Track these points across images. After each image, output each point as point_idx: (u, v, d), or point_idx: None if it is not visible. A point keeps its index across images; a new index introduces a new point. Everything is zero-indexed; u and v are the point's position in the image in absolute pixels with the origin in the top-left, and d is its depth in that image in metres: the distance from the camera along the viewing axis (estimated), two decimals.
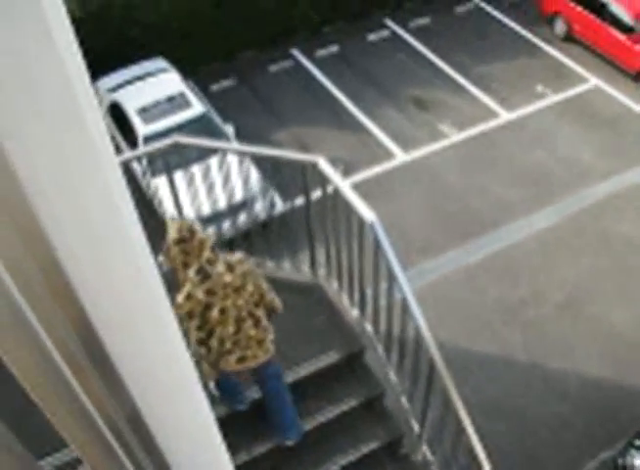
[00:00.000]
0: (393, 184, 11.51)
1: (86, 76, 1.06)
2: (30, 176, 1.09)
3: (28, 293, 1.06)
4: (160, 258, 4.11)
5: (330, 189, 4.62)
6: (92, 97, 1.06)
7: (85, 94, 1.00)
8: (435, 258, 10.31)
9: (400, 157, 12.04)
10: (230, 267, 3.93)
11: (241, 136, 11.39)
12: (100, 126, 1.06)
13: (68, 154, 1.09)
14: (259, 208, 8.58)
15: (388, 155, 12.08)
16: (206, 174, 5.33)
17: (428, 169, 11.77)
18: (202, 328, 3.93)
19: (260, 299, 4.10)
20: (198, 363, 3.97)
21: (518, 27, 14.91)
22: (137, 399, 1.54)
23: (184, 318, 3.87)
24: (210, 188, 5.47)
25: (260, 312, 4.10)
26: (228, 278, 3.91)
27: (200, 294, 3.85)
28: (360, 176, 11.52)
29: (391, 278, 4.24)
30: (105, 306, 1.28)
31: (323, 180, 4.60)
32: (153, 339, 1.42)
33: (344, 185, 4.39)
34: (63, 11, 0.97)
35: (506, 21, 15.13)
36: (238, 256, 4.06)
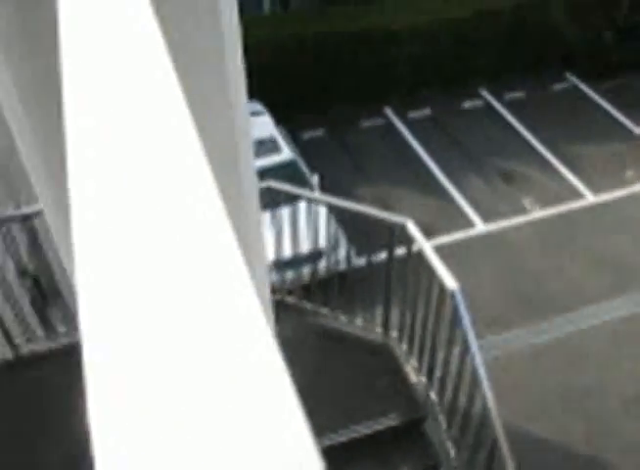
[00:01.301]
0: (469, 253, 11.42)
1: (250, 129, 1.11)
2: None
3: None
4: None
5: (408, 251, 4.65)
6: (250, 152, 1.11)
7: (247, 149, 1.05)
8: (502, 334, 10.11)
9: (480, 227, 11.97)
10: None
11: (324, 187, 11.53)
12: (253, 179, 1.11)
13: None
14: (336, 259, 8.62)
15: (467, 223, 12.03)
16: (293, 220, 5.43)
17: (505, 243, 11.64)
18: None
19: None
20: None
21: (613, 111, 14.76)
22: None
23: None
24: (293, 233, 5.56)
25: None
26: None
27: None
28: (437, 241, 11.46)
29: (464, 350, 4.20)
30: None
31: (408, 242, 4.62)
32: None
33: (430, 250, 4.40)
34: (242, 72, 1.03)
35: (602, 103, 15.00)
36: None
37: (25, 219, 4.96)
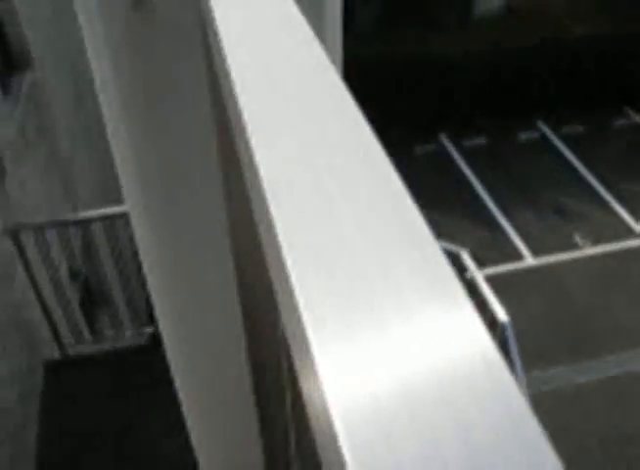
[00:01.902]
0: (516, 286, 11.26)
1: None
2: None
3: None
4: None
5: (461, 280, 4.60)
6: None
7: None
8: (545, 371, 9.92)
9: (529, 260, 11.81)
10: None
11: None
12: None
13: None
14: None
15: (516, 256, 11.88)
16: None
17: (554, 278, 11.46)
18: None
19: None
20: None
21: None
22: None
23: None
24: None
25: None
26: None
27: None
28: (485, 272, 11.35)
29: None
30: None
31: (460, 271, 4.58)
32: None
33: (482, 281, 4.36)
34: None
35: None
36: None
37: (82, 223, 5.05)
